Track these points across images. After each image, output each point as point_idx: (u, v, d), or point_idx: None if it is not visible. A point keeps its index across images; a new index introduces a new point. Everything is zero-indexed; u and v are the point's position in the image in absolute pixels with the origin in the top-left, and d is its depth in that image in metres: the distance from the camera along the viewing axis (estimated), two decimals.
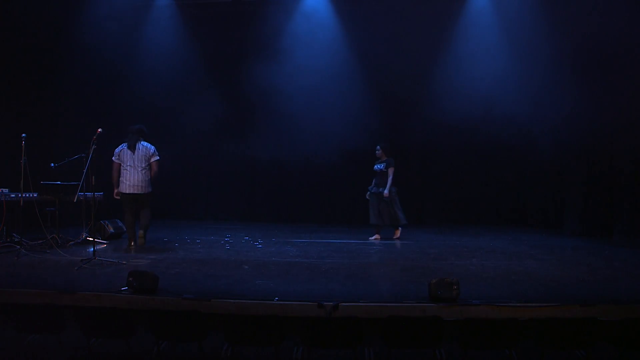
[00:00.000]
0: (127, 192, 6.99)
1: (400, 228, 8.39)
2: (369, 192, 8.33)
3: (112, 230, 7.98)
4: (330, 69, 10.57)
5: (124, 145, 7.10)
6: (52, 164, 7.22)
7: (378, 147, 8.47)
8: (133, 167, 6.96)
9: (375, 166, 8.41)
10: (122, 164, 7.02)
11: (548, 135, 9.75)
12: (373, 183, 8.37)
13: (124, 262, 5.95)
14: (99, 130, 6.44)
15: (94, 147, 6.32)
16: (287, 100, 10.43)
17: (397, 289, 4.87)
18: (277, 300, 4.33)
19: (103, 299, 4.41)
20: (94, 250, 6.06)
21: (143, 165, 6.98)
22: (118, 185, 7.06)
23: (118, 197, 7.10)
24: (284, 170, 11.22)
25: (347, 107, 10.58)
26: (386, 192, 8.01)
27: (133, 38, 10.67)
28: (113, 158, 7.11)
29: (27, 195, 7.09)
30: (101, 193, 7.78)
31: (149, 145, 7.12)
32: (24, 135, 6.63)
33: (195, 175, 11.54)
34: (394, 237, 8.30)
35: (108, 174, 7.14)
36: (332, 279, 5.34)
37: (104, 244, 7.50)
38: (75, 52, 10.01)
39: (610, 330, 3.81)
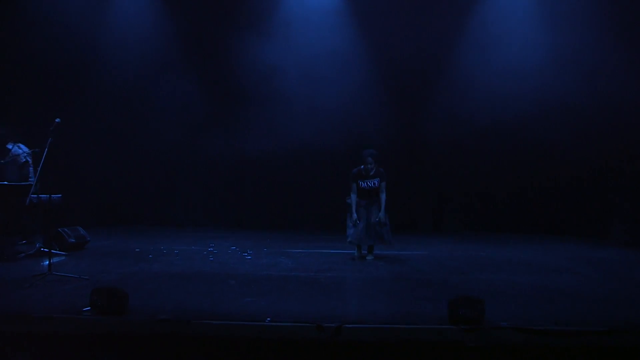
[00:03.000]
0: None
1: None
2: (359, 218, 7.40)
3: (72, 239, 7.96)
4: (332, 48, 10.58)
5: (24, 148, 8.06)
6: None
7: (370, 157, 7.40)
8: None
9: (366, 183, 7.45)
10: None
11: (590, 129, 9.76)
12: (363, 204, 7.50)
13: (87, 277, 5.95)
14: (57, 120, 6.43)
15: (50, 140, 6.31)
16: (281, 85, 10.44)
17: (410, 308, 4.87)
18: (270, 321, 4.33)
19: (60, 323, 4.39)
20: (50, 264, 6.04)
21: None
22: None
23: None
24: (277, 167, 11.22)
25: (352, 93, 10.58)
26: (383, 215, 7.38)
27: (101, 13, 10.67)
28: (29, 158, 7.90)
29: None
30: (59, 195, 7.77)
31: None
32: None
33: (172, 173, 11.53)
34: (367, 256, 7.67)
35: (67, 171, 7.17)
36: (334, 296, 5.34)
37: (63, 255, 7.49)
38: (29, 29, 9.99)
39: None
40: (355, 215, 7.46)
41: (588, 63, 9.55)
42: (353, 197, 7.53)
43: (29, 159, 8.02)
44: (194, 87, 10.96)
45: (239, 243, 8.85)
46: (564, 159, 10.45)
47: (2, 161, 7.90)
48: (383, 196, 7.47)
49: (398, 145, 11.04)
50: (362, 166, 7.52)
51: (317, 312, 4.62)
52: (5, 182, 7.48)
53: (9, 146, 8.10)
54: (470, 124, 10.51)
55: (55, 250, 7.46)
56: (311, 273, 6.48)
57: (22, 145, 8.16)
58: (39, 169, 6.56)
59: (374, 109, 10.71)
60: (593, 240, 9.59)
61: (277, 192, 11.34)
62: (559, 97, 9.94)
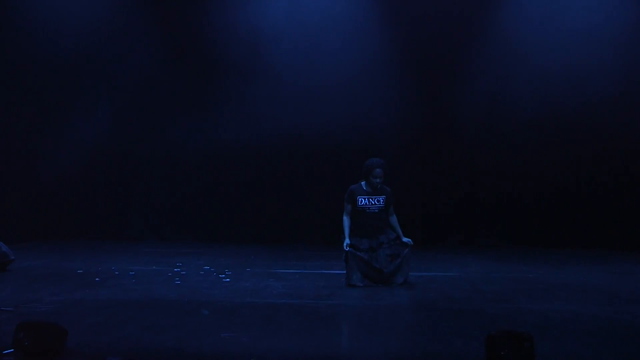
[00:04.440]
0: None
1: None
2: (358, 250, 7.26)
3: None
4: (337, 10, 10.63)
5: None
6: None
7: (379, 168, 7.32)
8: None
9: (368, 200, 7.41)
10: None
11: None
12: (366, 229, 7.42)
13: (10, 308, 5.90)
14: None
15: None
16: (271, 57, 10.46)
17: (435, 345, 4.85)
18: None
19: None
20: None
21: None
22: None
23: None
24: (265, 163, 11.24)
25: (362, 69, 10.62)
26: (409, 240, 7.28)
27: None
28: None
29: None
30: None
31: None
32: None
33: (127, 171, 11.52)
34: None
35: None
36: (337, 330, 5.36)
37: None
38: None
39: None
40: (348, 241, 7.34)
41: None
42: (346, 221, 7.52)
43: None
44: (156, 59, 10.95)
45: (214, 262, 8.85)
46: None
47: None
48: (394, 218, 7.49)
49: (420, 137, 11.05)
50: (363, 182, 7.47)
51: (316, 351, 4.61)
52: None
53: None
54: (516, 111, 10.54)
55: None
56: (308, 300, 6.47)
57: None
58: None
59: (389, 90, 10.71)
60: None
61: (264, 196, 11.34)
62: None
